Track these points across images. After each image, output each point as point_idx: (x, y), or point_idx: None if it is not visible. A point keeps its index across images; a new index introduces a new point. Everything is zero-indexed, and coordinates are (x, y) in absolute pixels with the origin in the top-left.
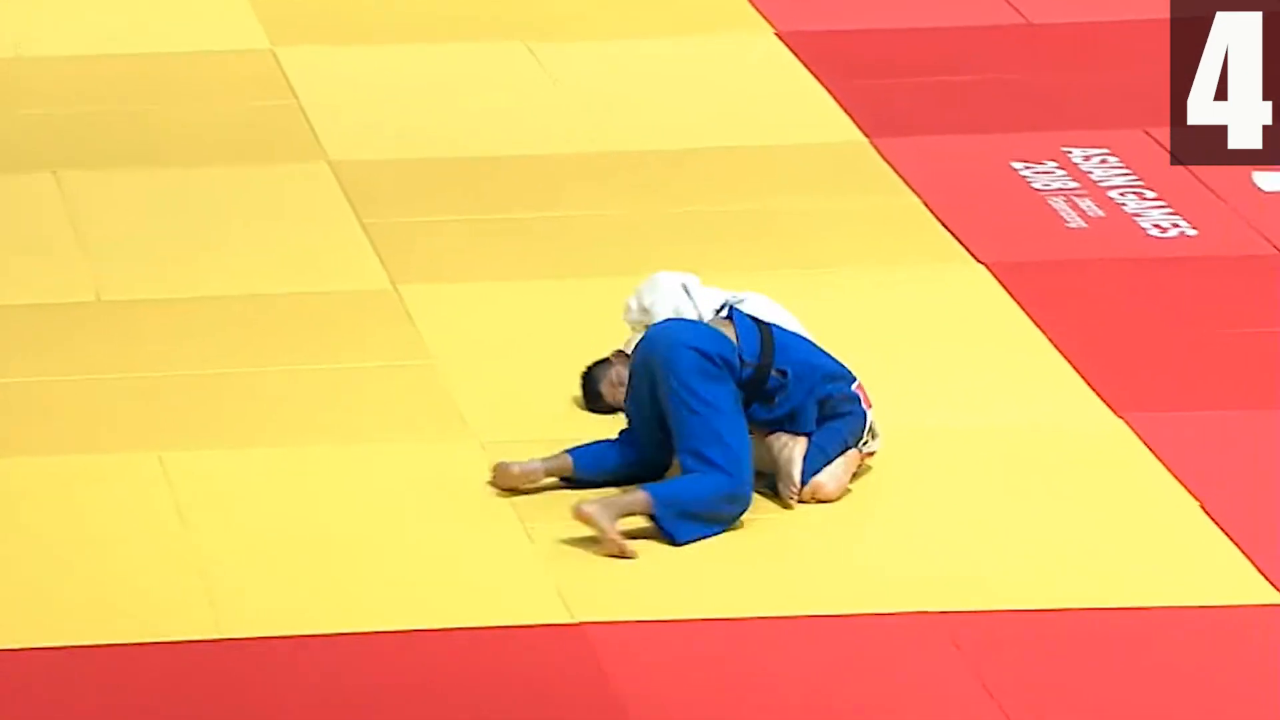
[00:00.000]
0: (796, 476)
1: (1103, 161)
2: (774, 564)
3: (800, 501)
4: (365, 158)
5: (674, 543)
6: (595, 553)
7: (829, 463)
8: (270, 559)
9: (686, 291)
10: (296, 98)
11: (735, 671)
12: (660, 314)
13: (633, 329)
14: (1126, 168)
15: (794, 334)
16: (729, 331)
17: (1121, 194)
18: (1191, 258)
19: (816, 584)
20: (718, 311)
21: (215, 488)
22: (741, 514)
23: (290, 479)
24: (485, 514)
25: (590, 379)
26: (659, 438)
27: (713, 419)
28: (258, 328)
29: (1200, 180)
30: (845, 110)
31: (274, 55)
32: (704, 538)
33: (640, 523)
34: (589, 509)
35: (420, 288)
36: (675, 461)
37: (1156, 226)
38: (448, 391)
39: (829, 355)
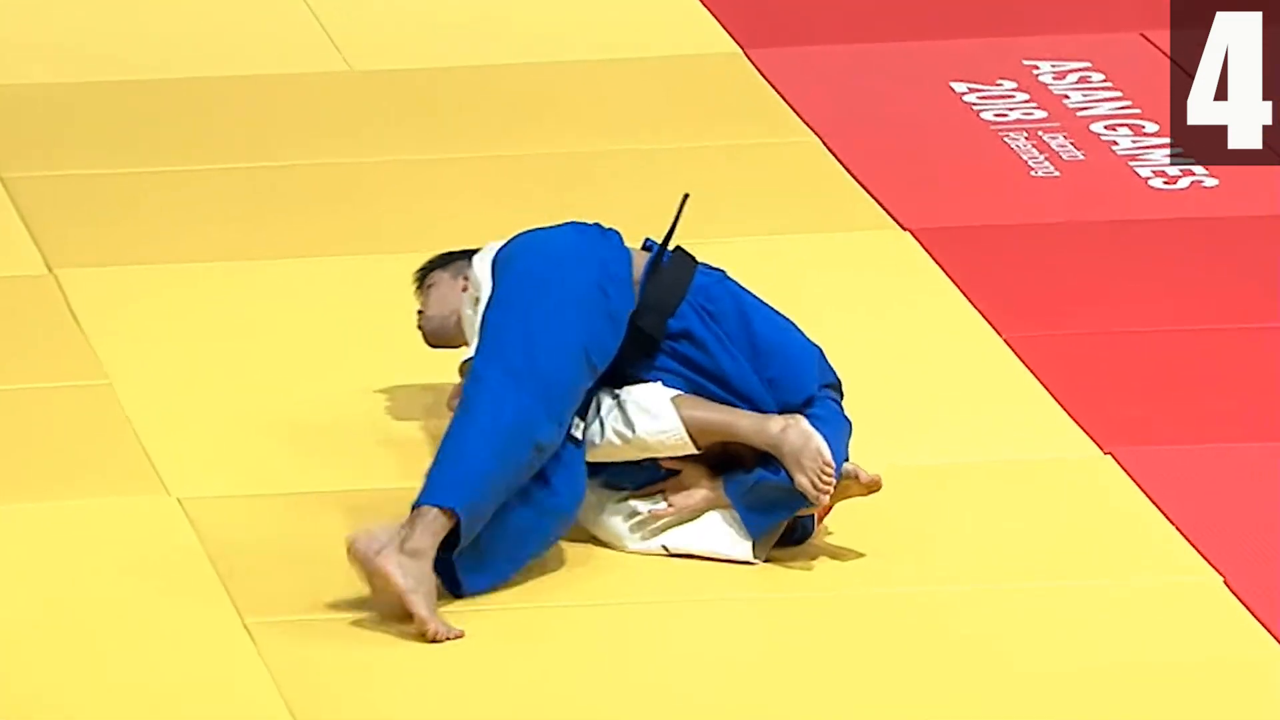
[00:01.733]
0: (828, 453)
1: (1082, 80)
2: (589, 665)
3: (826, 494)
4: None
5: (456, 592)
6: (332, 655)
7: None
8: None
9: None
10: None
11: None
12: None
13: None
14: (1117, 89)
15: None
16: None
17: (1110, 127)
18: (1208, 219)
19: (675, 687)
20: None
21: None
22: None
23: None
24: (192, 603)
25: None
26: None
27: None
28: None
29: None
30: (708, 8)
31: None
32: (498, 579)
33: None
34: (398, 580)
35: (87, 273)
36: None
37: (1159, 174)
38: (131, 425)
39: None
